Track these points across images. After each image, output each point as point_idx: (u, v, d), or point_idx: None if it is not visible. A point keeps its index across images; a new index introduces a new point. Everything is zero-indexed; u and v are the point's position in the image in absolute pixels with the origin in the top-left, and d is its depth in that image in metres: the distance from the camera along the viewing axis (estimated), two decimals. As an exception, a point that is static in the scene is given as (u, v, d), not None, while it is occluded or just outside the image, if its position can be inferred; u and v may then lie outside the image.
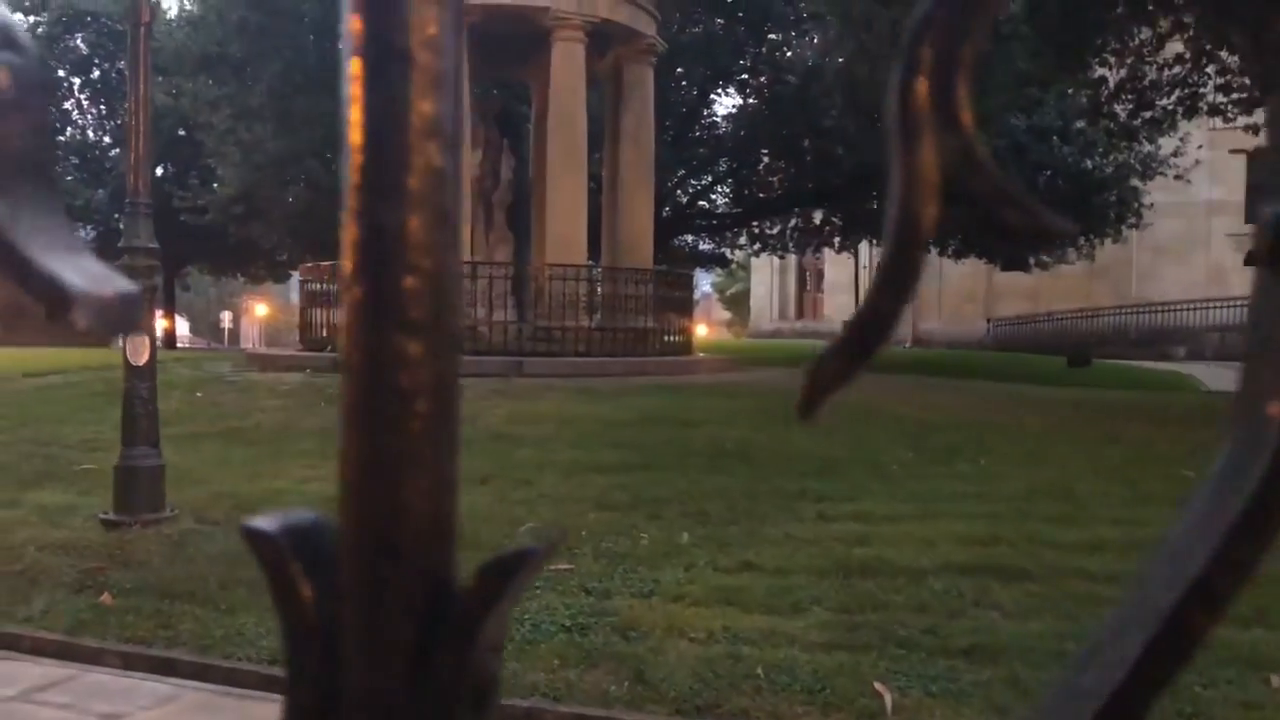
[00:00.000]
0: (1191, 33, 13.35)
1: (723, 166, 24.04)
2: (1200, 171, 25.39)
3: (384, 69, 0.29)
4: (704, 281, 53.19)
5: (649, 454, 7.58)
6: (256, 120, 21.17)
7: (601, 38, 14.72)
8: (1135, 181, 21.47)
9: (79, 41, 29.33)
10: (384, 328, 0.29)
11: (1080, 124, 18.87)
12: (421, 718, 0.29)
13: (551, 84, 14.34)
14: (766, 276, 44.58)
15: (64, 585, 5.20)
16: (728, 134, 23.20)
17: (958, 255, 23.19)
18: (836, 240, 25.32)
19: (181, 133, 26.26)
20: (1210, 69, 14.60)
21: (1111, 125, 17.03)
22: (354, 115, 0.29)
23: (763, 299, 45.88)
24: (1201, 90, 15.15)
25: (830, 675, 3.97)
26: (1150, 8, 12.21)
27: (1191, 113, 15.58)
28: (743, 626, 4.42)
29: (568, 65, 14.18)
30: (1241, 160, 28.12)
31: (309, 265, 16.65)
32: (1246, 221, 30.46)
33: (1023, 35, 11.69)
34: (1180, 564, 0.26)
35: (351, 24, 0.29)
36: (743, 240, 27.55)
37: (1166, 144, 20.39)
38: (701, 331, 28.50)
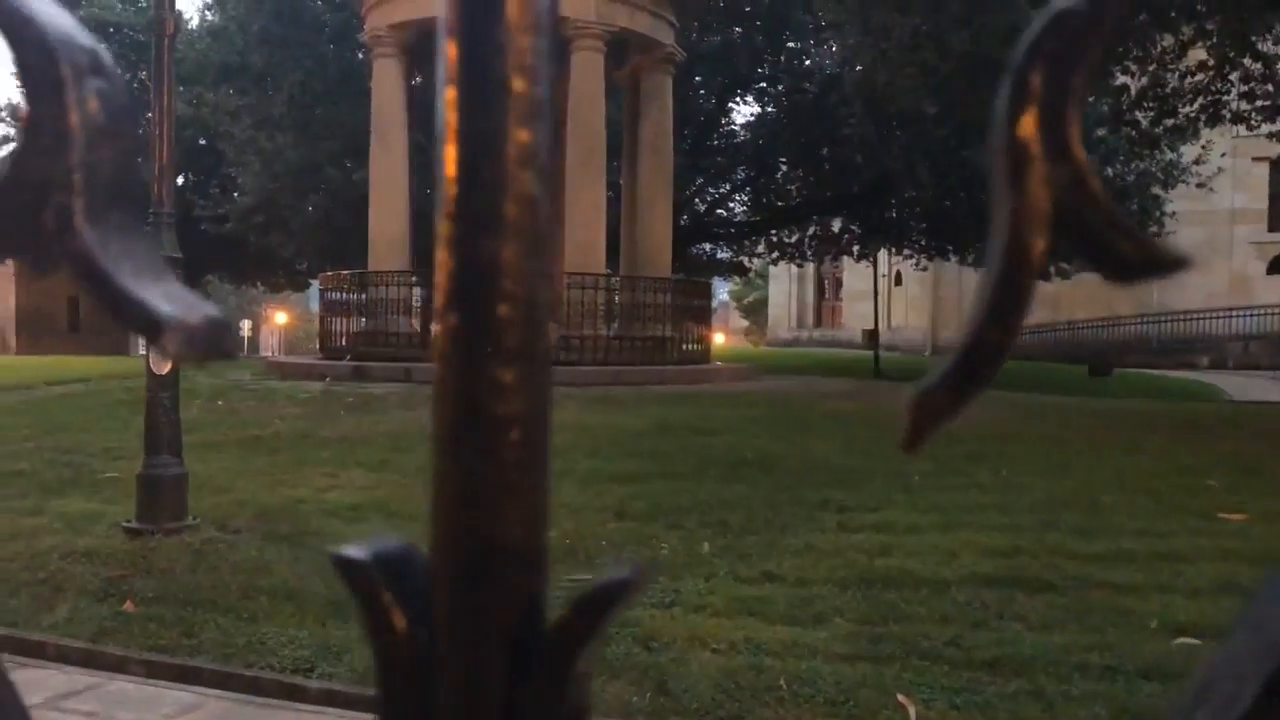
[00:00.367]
0: (1214, 39, 13.26)
1: (741, 175, 24.05)
2: (1223, 179, 25.22)
3: (481, 98, 0.29)
4: (721, 290, 53.19)
5: (668, 463, 7.57)
6: (277, 130, 21.32)
7: (620, 46, 14.77)
8: (1157, 190, 21.34)
9: (102, 52, 29.52)
10: (478, 356, 0.29)
11: (1101, 132, 18.77)
12: (514, 749, 0.29)
13: (570, 93, 14.39)
14: (785, 285, 44.58)
15: (87, 593, 5.23)
16: (746, 142, 23.21)
17: (978, 264, 23.10)
18: (855, 248, 25.27)
19: (202, 142, 26.47)
20: (1233, 76, 14.50)
21: (1133, 133, 16.92)
22: (449, 144, 0.29)
23: (781, 307, 45.88)
24: (1224, 98, 15.05)
25: (853, 687, 3.95)
26: (1172, 15, 12.14)
27: (1214, 120, 15.47)
28: (765, 637, 4.41)
29: (587, 74, 14.23)
30: (1265, 168, 27.94)
31: (329, 274, 16.73)
32: (1270, 229, 30.27)
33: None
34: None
35: (447, 51, 0.29)
36: (761, 248, 27.54)
37: (1188, 152, 20.25)
38: (719, 340, 28.48)
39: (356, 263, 16.71)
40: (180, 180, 26.71)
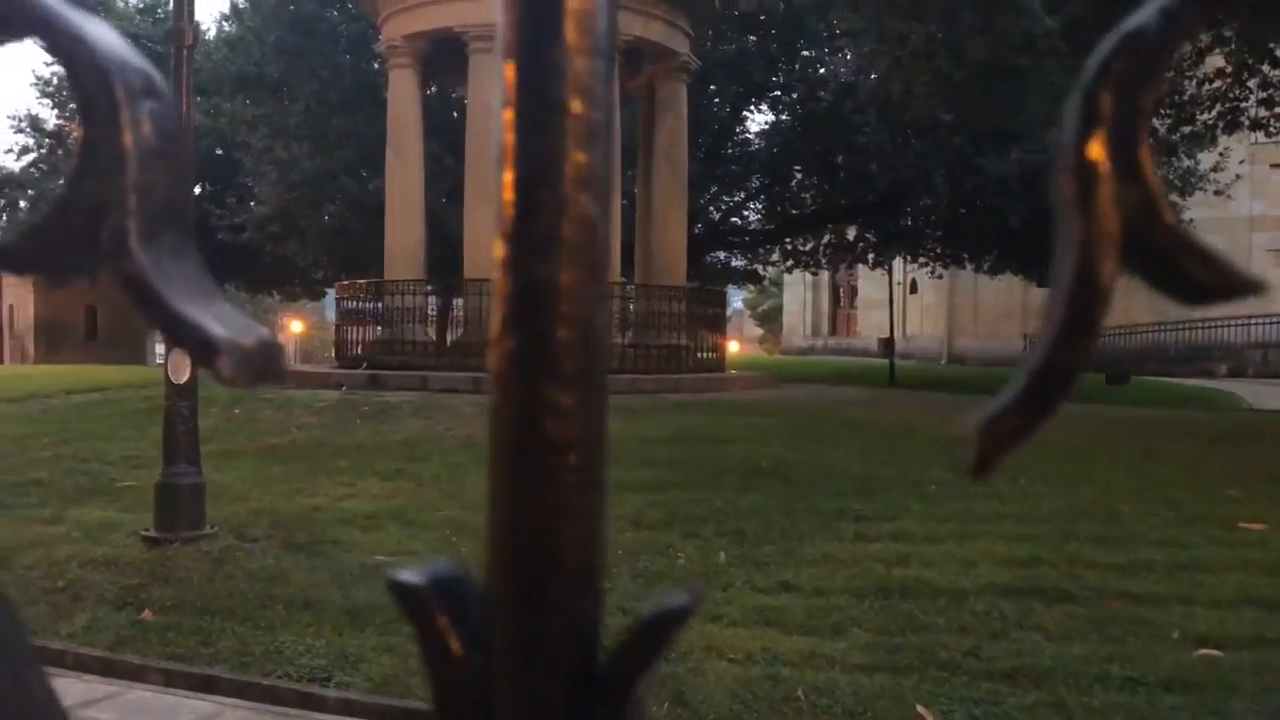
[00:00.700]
0: (1232, 46, 13.19)
1: (755, 183, 24.02)
2: (1241, 186, 25.08)
3: (539, 119, 0.29)
4: (736, 298, 53.17)
5: (683, 472, 7.56)
6: (293, 139, 21.42)
7: (635, 55, 14.79)
8: (1174, 197, 21.23)
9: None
10: (536, 380, 0.29)
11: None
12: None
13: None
14: (799, 293, 44.49)
15: (106, 601, 5.26)
16: (761, 150, 23.19)
17: (993, 271, 23.02)
18: (870, 256, 25.21)
19: (219, 152, 26.60)
20: (1251, 83, 14.42)
21: (1150, 140, 16.83)
22: (507, 167, 0.29)
23: (795, 315, 45.79)
24: (1242, 104, 14.97)
25: (871, 698, 3.93)
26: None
27: (1232, 127, 15.39)
28: (782, 648, 4.39)
29: (601, 83, 14.24)
30: (1283, 175, 27.75)
31: (345, 283, 16.78)
32: (1288, 237, 30.04)
33: (1058, 50, 11.62)
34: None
35: (506, 73, 0.28)
36: (775, 257, 27.48)
37: (1206, 159, 20.15)
38: (734, 348, 28.43)
39: (372, 271, 16.77)
40: (197, 190, 26.89)
